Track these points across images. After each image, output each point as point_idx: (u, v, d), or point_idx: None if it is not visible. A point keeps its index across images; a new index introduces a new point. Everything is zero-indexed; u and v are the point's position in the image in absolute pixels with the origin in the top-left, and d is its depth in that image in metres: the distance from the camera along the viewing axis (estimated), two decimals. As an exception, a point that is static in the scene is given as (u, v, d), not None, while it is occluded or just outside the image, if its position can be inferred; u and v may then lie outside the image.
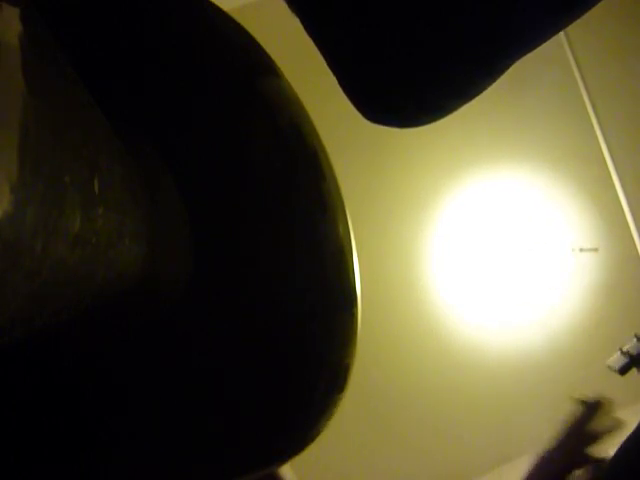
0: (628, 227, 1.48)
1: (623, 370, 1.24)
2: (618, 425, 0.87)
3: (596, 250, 1.47)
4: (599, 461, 0.77)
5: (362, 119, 0.39)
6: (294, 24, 0.38)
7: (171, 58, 0.49)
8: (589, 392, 0.98)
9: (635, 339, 1.22)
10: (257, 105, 0.48)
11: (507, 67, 0.34)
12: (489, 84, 0.35)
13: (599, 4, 0.33)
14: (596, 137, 1.48)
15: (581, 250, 1.46)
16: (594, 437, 0.85)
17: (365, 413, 1.35)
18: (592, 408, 0.89)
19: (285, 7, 0.38)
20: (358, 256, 0.50)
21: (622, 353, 1.23)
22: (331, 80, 0.38)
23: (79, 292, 0.34)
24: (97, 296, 0.37)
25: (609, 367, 1.23)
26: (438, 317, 1.44)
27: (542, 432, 1.33)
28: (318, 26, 0.37)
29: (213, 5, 0.51)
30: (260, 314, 0.47)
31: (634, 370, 1.23)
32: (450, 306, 1.45)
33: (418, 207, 1.46)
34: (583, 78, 1.47)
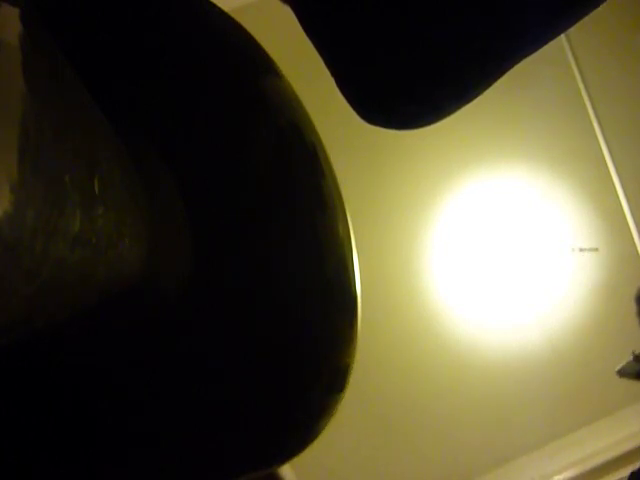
0: (628, 227, 1.48)
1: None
2: None
3: (596, 250, 1.47)
4: None
5: (362, 120, 0.39)
6: (294, 24, 0.38)
7: (171, 58, 0.49)
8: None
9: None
10: (257, 105, 0.48)
11: (508, 69, 0.34)
12: (489, 86, 0.35)
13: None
14: (596, 137, 1.48)
15: (581, 250, 1.46)
16: None
17: (365, 413, 1.35)
18: None
19: (285, 7, 0.38)
20: (358, 256, 0.50)
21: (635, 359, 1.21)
22: (331, 80, 0.38)
23: (79, 292, 0.34)
24: (97, 296, 0.37)
25: (620, 372, 1.21)
26: (438, 317, 1.44)
27: (542, 432, 1.33)
28: (314, 25, 0.37)
29: (213, 5, 0.51)
30: (260, 314, 0.47)
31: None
32: (450, 306, 1.45)
33: (418, 207, 1.46)
34: (583, 78, 1.47)
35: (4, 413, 0.46)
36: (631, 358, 1.21)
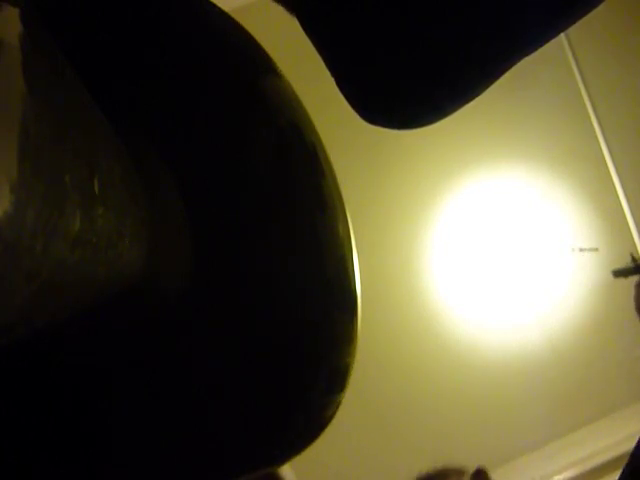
0: (628, 227, 1.48)
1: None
2: None
3: (596, 250, 1.47)
4: None
5: (362, 120, 0.39)
6: (294, 24, 0.38)
7: (171, 58, 0.49)
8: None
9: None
10: (257, 105, 0.48)
11: (507, 69, 0.34)
12: (488, 85, 0.35)
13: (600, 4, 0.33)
14: (596, 137, 1.48)
15: (581, 250, 1.46)
16: None
17: (365, 413, 1.35)
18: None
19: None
20: (358, 256, 0.50)
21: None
22: (331, 80, 0.38)
23: (79, 292, 0.34)
24: (97, 296, 0.37)
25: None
26: (438, 317, 1.44)
27: (542, 432, 1.34)
28: (314, 25, 0.37)
29: (213, 5, 0.51)
30: (260, 314, 0.47)
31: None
32: (450, 306, 1.45)
33: (418, 207, 1.46)
34: (583, 78, 1.47)
35: (4, 413, 0.46)
36: (630, 260, 1.27)
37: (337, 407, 0.49)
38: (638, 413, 1.41)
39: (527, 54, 0.34)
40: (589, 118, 1.48)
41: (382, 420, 1.39)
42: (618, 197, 1.48)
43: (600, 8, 0.34)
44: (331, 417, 0.49)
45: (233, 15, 0.51)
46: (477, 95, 0.36)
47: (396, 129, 0.39)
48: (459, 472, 0.99)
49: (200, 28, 0.50)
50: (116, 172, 0.35)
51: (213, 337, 0.47)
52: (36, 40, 0.28)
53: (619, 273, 1.37)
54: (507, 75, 0.35)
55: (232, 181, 0.47)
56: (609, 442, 1.37)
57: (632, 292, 1.42)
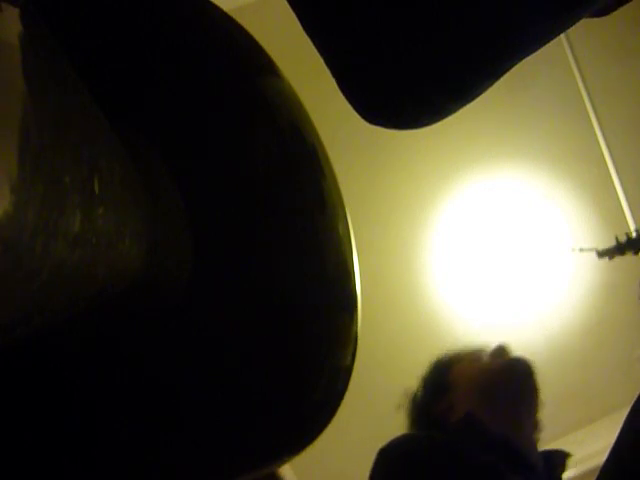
0: (628, 227, 1.48)
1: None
2: None
3: (596, 250, 1.47)
4: None
5: (362, 120, 0.39)
6: (294, 24, 0.38)
7: (171, 58, 0.49)
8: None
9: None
10: (257, 105, 0.48)
11: (508, 69, 0.34)
12: (489, 86, 0.35)
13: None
14: (596, 137, 1.48)
15: (581, 250, 1.46)
16: None
17: (365, 413, 1.35)
18: None
19: (285, 7, 0.38)
20: (358, 256, 0.50)
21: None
22: (331, 80, 0.38)
23: (79, 292, 0.34)
24: (97, 296, 0.37)
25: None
26: (438, 317, 1.44)
27: (542, 432, 1.33)
28: (315, 26, 0.37)
29: (213, 5, 0.51)
30: (260, 314, 0.47)
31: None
32: (450, 306, 1.45)
33: (418, 207, 1.46)
34: (583, 78, 1.47)
35: (4, 413, 0.46)
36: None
37: (337, 407, 0.49)
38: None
39: (527, 54, 0.34)
40: (589, 118, 1.48)
41: (382, 420, 1.39)
42: (618, 197, 1.48)
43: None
44: (331, 417, 0.49)
45: (233, 15, 0.51)
46: (478, 95, 0.36)
47: (396, 129, 0.39)
48: (477, 353, 1.00)
49: (201, 29, 0.50)
50: (116, 172, 0.35)
51: (213, 337, 0.47)
52: (36, 40, 0.28)
53: (603, 254, 1.38)
54: (507, 75, 0.35)
55: (232, 181, 0.47)
56: (609, 442, 1.37)
57: (635, 290, 1.42)
